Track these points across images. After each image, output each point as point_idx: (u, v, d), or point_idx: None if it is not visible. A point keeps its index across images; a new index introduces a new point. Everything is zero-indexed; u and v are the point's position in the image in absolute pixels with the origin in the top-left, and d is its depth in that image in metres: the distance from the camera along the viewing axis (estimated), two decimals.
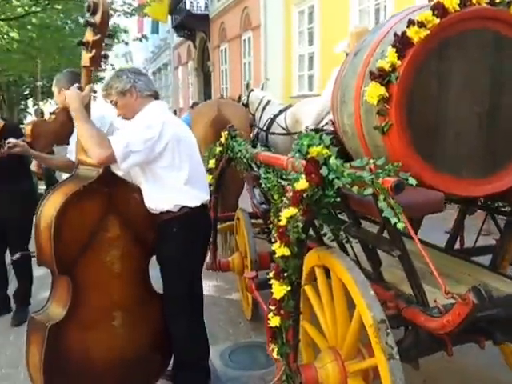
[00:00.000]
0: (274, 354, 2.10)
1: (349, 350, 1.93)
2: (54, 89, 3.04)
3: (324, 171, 1.84)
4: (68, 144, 2.97)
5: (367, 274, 1.97)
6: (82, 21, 12.20)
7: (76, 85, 2.43)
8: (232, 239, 4.38)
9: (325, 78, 9.28)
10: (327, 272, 2.08)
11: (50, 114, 3.05)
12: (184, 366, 2.61)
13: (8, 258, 3.97)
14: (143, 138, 2.25)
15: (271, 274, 2.05)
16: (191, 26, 18.78)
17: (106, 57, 2.43)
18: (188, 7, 17.69)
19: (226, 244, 4.71)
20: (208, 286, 4.15)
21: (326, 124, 3.63)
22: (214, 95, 17.69)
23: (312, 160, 1.86)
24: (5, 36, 11.80)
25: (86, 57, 2.38)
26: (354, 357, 1.94)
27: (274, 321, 2.03)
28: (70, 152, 2.91)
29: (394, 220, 1.61)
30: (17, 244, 3.86)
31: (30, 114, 23.53)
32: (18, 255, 3.75)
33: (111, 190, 2.36)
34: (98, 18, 2.31)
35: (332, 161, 1.85)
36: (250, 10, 14.35)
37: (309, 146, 1.89)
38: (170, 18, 19.34)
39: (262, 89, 6.69)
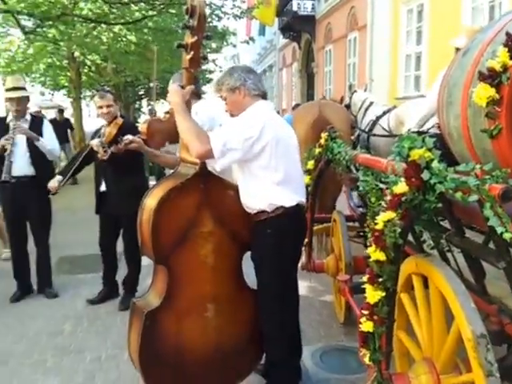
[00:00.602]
0: (366, 360, 2.06)
1: (445, 363, 1.83)
2: (170, 87, 3.20)
3: (425, 175, 1.76)
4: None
5: (469, 286, 1.86)
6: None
7: (177, 83, 2.53)
8: (327, 241, 4.35)
9: (432, 78, 8.84)
10: (425, 280, 2.00)
11: (165, 113, 3.23)
12: (277, 363, 2.63)
13: (119, 247, 4.31)
14: (243, 136, 2.30)
15: (365, 279, 2.01)
16: (297, 27, 18.85)
17: (204, 58, 2.50)
18: (295, 9, 17.78)
19: (322, 245, 4.69)
20: (302, 287, 4.14)
21: (432, 127, 3.47)
22: (316, 97, 17.60)
23: (413, 163, 1.79)
24: (123, 39, 12.73)
25: (185, 58, 2.46)
26: (451, 371, 1.84)
27: (367, 326, 1.99)
28: (179, 151, 3.06)
29: (500, 230, 1.50)
30: (129, 234, 4.18)
31: (143, 113, 25.21)
32: None
33: (207, 187, 2.44)
34: (195, 21, 2.37)
35: (434, 164, 1.76)
36: (357, 10, 14.10)
37: (410, 148, 1.82)
38: (276, 19, 19.59)
39: (366, 90, 6.55)
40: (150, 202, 2.42)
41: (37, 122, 4.37)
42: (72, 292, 4.53)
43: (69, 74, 16.00)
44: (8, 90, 4.25)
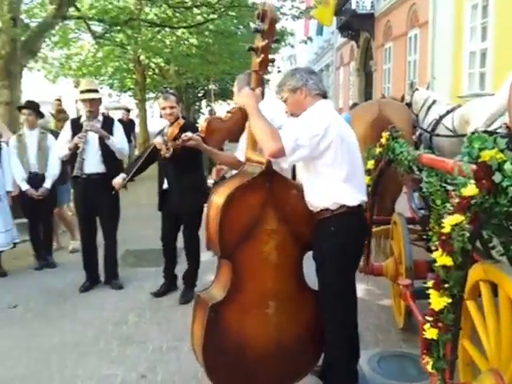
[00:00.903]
0: (429, 368, 2.01)
1: None
2: (235, 89, 3.26)
3: (497, 177, 1.69)
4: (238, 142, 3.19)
5: None
6: (252, 26, 12.98)
7: (247, 87, 2.61)
8: (386, 243, 4.27)
9: (499, 75, 8.42)
10: (494, 288, 1.92)
11: (227, 112, 3.29)
12: (334, 365, 2.62)
13: (180, 242, 4.45)
14: (310, 133, 2.33)
15: (430, 284, 1.95)
16: (356, 26, 18.64)
17: (272, 61, 2.59)
18: (353, 7, 17.60)
19: (380, 248, 4.61)
20: (359, 289, 4.08)
21: (500, 127, 3.32)
22: (374, 95, 17.30)
23: (484, 165, 1.73)
24: (185, 42, 13.07)
25: (255, 61, 2.54)
26: None
27: (431, 333, 1.94)
28: (237, 150, 3.12)
29: None
30: (189, 230, 4.32)
31: (203, 113, 25.71)
32: None
33: (272, 186, 2.48)
34: (266, 25, 2.43)
35: (507, 166, 1.69)
36: (418, 7, 13.72)
37: (480, 149, 1.76)
38: (334, 19, 19.44)
39: (428, 88, 6.36)
40: (218, 199, 2.49)
41: (108, 122, 4.60)
42: (136, 284, 4.73)
43: (134, 76, 16.66)
44: (82, 92, 4.51)
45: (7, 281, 4.95)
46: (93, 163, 4.43)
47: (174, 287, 4.50)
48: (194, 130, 4.15)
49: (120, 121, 6.17)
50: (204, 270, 4.51)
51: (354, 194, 2.47)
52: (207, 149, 3.21)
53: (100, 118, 4.57)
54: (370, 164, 3.62)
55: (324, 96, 2.58)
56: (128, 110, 14.41)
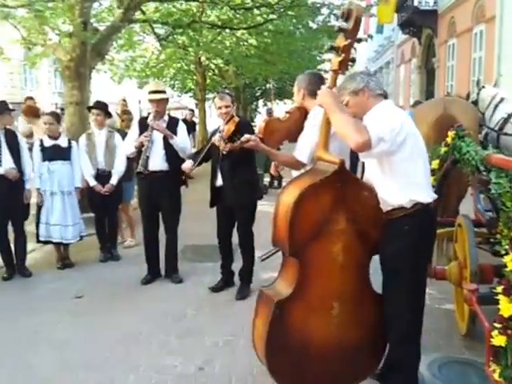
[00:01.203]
0: (495, 376, 1.94)
1: None
2: (295, 88, 3.27)
3: None
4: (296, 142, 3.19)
5: None
6: (311, 25, 12.91)
7: (323, 86, 2.62)
8: (449, 246, 4.12)
9: None
10: None
11: (285, 112, 3.31)
12: (395, 369, 2.59)
13: (235, 238, 4.52)
14: (388, 127, 2.32)
15: (499, 289, 1.88)
16: (418, 22, 18.18)
17: (353, 60, 2.55)
18: (416, 4, 17.17)
19: (442, 251, 4.45)
20: None
21: None
22: (436, 93, 16.77)
23: None
24: (245, 43, 13.22)
25: (335, 61, 2.52)
26: None
27: (499, 340, 1.87)
28: (296, 150, 3.12)
29: None
30: (243, 227, 4.38)
31: (259, 113, 25.89)
32: None
33: (344, 186, 2.47)
34: (350, 24, 2.43)
35: None
36: (485, 2, 13.16)
37: None
38: (395, 15, 19.01)
39: (495, 85, 6.07)
40: (288, 196, 2.50)
41: (173, 122, 4.76)
42: (195, 279, 4.85)
43: (195, 77, 17.03)
44: (150, 92, 4.71)
45: (74, 272, 5.21)
46: (157, 161, 4.59)
47: (231, 283, 4.58)
48: (250, 128, 4.24)
49: (183, 120, 6.37)
50: (260, 266, 4.54)
51: (428, 191, 2.47)
52: (266, 149, 3.23)
53: (166, 117, 4.73)
54: (435, 164, 3.53)
55: (385, 96, 2.58)
56: (192, 111, 14.80)
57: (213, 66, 17.46)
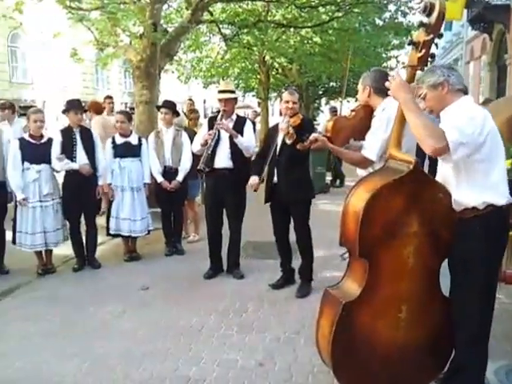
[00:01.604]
0: None
1: None
2: (359, 86, 3.22)
3: None
4: (363, 140, 3.15)
5: None
6: (378, 22, 12.63)
7: (398, 76, 2.51)
8: None
9: None
10: None
11: (351, 110, 3.28)
12: (461, 373, 2.51)
13: (292, 236, 4.51)
14: (469, 129, 2.24)
15: None
16: (489, 17, 17.19)
17: (432, 56, 2.47)
18: None
19: None
20: None
21: None
22: (508, 91, 15.84)
23: None
24: (309, 41, 13.16)
25: (414, 56, 2.45)
26: None
27: None
28: (364, 148, 3.08)
29: None
30: (299, 225, 4.38)
31: (322, 111, 25.64)
32: None
33: (418, 187, 2.40)
34: (432, 19, 2.36)
35: None
36: None
37: None
38: (464, 11, 18.15)
39: None
40: (359, 195, 2.46)
41: (240, 121, 4.84)
42: (255, 275, 4.91)
43: (259, 76, 17.16)
44: (219, 92, 4.85)
45: (140, 265, 5.42)
46: (222, 159, 4.71)
47: (291, 281, 4.58)
48: (312, 126, 4.26)
49: None
50: (320, 265, 4.54)
51: (504, 193, 2.38)
52: (334, 148, 3.21)
53: (233, 117, 4.82)
54: (508, 163, 3.34)
55: (465, 92, 2.48)
56: (255, 111, 14.90)
57: (276, 65, 17.52)
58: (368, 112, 3.15)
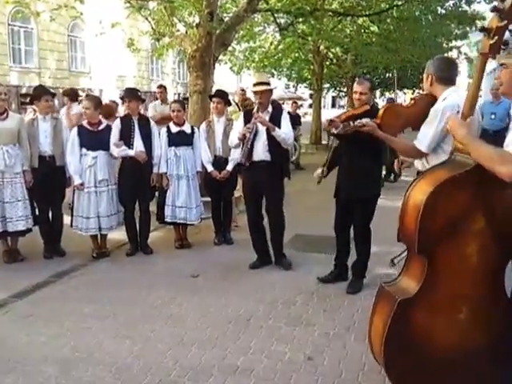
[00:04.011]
0: None
1: None
2: (424, 75, 3.09)
3: None
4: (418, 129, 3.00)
5: None
6: (440, 11, 12.10)
7: (455, 115, 2.41)
8: None
9: None
10: None
11: (411, 99, 3.14)
12: None
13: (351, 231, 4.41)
14: None
15: None
16: None
17: (506, 44, 2.30)
18: None
19: None
20: None
21: None
22: None
23: None
24: (366, 30, 12.82)
25: (486, 43, 2.29)
26: None
27: None
28: (417, 138, 2.93)
29: None
30: (360, 220, 4.25)
31: (377, 103, 25.03)
32: None
33: (484, 181, 2.23)
34: (508, 3, 2.19)
35: None
36: None
37: None
38: None
39: None
40: (420, 189, 2.35)
41: (277, 113, 4.73)
42: (305, 268, 4.83)
43: (312, 67, 16.93)
44: (254, 84, 4.77)
45: (190, 252, 5.49)
46: (260, 151, 4.66)
47: (344, 277, 4.46)
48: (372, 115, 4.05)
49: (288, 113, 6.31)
50: (373, 262, 4.41)
51: None
52: (383, 135, 3.09)
53: (269, 109, 4.72)
54: None
55: None
56: (296, 103, 14.48)
57: (331, 55, 17.21)
58: (429, 101, 3.00)
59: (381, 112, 3.15)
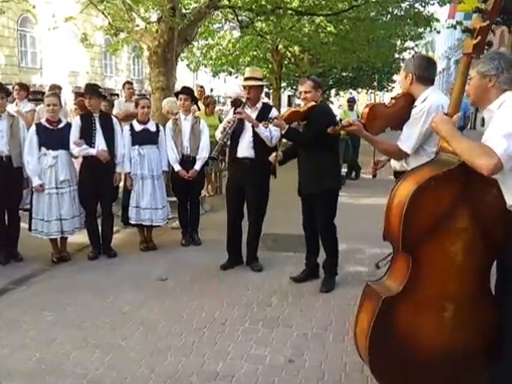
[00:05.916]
0: None
1: None
2: (401, 73, 3.08)
3: None
4: (401, 130, 3.01)
5: None
6: (396, 12, 12.37)
7: (442, 111, 2.40)
8: None
9: None
10: None
11: (391, 98, 3.13)
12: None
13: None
14: None
15: None
16: (510, 9, 16.87)
17: (489, 44, 2.36)
18: None
19: None
20: None
21: None
22: None
23: None
24: (323, 30, 12.93)
25: (469, 43, 2.34)
26: None
27: None
28: (400, 139, 2.93)
29: None
30: (321, 217, 4.24)
31: (332, 102, 25.38)
32: None
33: (468, 180, 2.27)
34: (489, 5, 2.25)
35: None
36: None
37: None
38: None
39: None
40: (404, 187, 2.35)
41: (265, 110, 4.63)
42: (277, 268, 4.77)
43: (270, 65, 16.94)
44: (245, 78, 4.70)
45: (157, 254, 5.30)
46: (244, 148, 4.57)
47: (315, 275, 4.45)
48: (317, 115, 4.06)
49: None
50: (344, 259, 4.42)
51: None
52: (367, 136, 3.06)
53: (259, 105, 4.65)
54: None
55: None
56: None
57: (289, 54, 17.28)
58: (409, 101, 3.00)
59: (365, 111, 3.13)
